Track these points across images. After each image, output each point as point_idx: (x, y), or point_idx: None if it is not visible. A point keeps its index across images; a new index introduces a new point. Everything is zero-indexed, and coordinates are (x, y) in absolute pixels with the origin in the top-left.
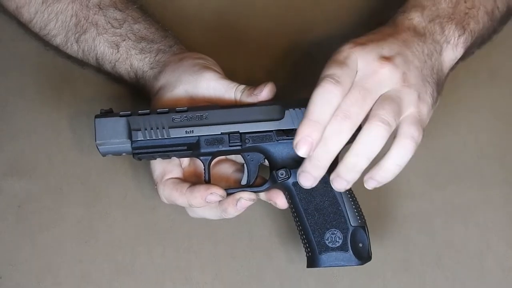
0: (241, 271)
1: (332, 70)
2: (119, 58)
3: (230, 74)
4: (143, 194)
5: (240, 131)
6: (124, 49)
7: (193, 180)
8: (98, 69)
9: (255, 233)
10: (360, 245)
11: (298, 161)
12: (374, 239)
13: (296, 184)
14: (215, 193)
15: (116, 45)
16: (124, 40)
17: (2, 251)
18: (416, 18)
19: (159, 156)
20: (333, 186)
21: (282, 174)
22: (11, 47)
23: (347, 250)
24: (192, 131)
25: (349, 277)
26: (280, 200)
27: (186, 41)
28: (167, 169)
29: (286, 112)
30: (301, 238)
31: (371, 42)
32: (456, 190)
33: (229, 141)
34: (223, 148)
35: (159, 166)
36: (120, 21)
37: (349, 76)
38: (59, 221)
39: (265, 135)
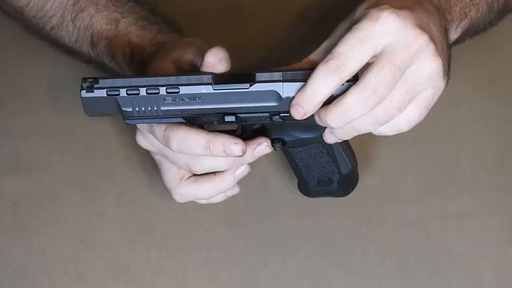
0: (236, 274)
1: (343, 47)
2: (116, 34)
3: (233, 50)
4: (139, 195)
5: (236, 112)
6: (124, 25)
7: None
8: (89, 57)
9: (251, 237)
10: (350, 181)
11: (293, 135)
12: (370, 244)
13: (290, 149)
14: (239, 148)
15: (116, 21)
16: (125, 17)
17: None
18: None
19: (153, 122)
20: (326, 140)
21: (278, 147)
22: (10, 46)
23: (335, 188)
24: (185, 111)
25: (345, 282)
26: (267, 141)
27: (186, 14)
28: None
29: (283, 99)
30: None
31: (405, 9)
32: (452, 195)
33: (224, 119)
34: (218, 123)
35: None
36: (122, 3)
37: (359, 60)
38: (55, 220)
39: (261, 116)
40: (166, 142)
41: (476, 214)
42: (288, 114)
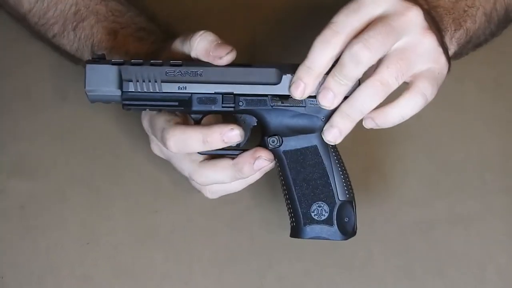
0: (242, 276)
1: (337, 17)
2: (114, 46)
3: (228, 33)
4: (145, 198)
5: (234, 92)
6: (122, 37)
7: None
8: None
9: (256, 238)
10: (346, 220)
11: (291, 129)
12: (375, 246)
13: (286, 152)
14: (236, 133)
15: (114, 32)
16: (124, 28)
17: (4, 251)
18: (420, 1)
19: (149, 109)
20: (325, 138)
21: (273, 142)
22: (15, 48)
23: (332, 224)
24: (185, 87)
25: (350, 283)
26: (265, 153)
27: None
28: (170, 116)
29: (284, 77)
30: (287, 207)
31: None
32: (458, 198)
33: (222, 101)
34: (216, 109)
35: (160, 117)
36: (122, 12)
37: (353, 25)
38: (62, 222)
39: (259, 99)
40: (165, 145)
41: (481, 217)
42: (288, 97)
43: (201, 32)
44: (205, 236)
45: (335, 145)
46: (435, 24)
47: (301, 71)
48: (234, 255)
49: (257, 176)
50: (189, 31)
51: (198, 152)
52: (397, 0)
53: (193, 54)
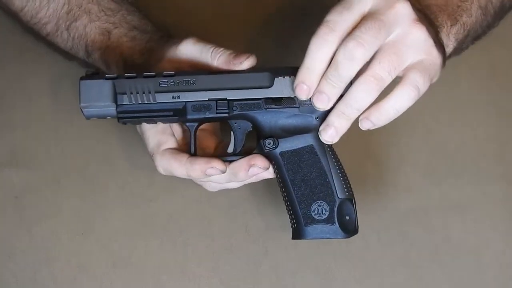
0: (237, 264)
1: (331, 16)
2: (108, 46)
3: (220, 33)
4: (140, 187)
5: (228, 98)
6: (115, 37)
7: (187, 149)
8: (85, 62)
9: (252, 226)
10: (347, 218)
11: (286, 131)
12: (371, 233)
13: (283, 154)
14: (216, 167)
15: (108, 32)
16: (117, 27)
17: None
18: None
19: (144, 121)
20: (322, 138)
21: (269, 144)
22: (10, 38)
23: (333, 223)
24: (179, 96)
25: (346, 271)
26: (260, 161)
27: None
28: (162, 139)
29: (276, 79)
30: (287, 209)
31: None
32: (454, 185)
33: (216, 107)
34: (210, 115)
35: (153, 137)
36: (114, 11)
37: (347, 21)
38: (57, 212)
39: (253, 103)
40: (155, 165)
41: (476, 203)
42: (281, 99)
43: (221, 49)
44: (201, 225)
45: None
46: (427, 20)
47: (302, 73)
48: (229, 244)
49: (253, 180)
50: (201, 38)
51: None
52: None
53: (214, 64)
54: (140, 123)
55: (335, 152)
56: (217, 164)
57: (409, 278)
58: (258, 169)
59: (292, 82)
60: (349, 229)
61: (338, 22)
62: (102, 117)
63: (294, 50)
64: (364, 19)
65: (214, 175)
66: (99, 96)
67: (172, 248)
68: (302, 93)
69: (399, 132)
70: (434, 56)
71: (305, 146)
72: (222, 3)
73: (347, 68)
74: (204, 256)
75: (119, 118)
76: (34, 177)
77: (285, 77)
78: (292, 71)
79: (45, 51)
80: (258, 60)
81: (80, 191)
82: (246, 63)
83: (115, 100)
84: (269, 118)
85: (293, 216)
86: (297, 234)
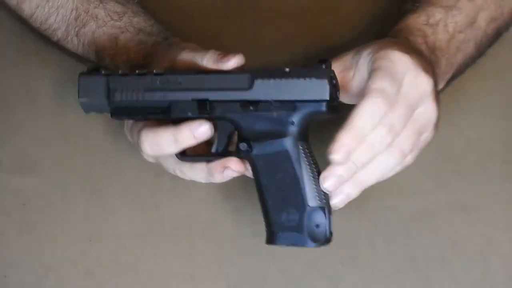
0: (245, 269)
1: (383, 83)
2: (116, 52)
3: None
4: (147, 192)
5: (209, 99)
6: (122, 42)
7: None
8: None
9: (259, 231)
10: (316, 226)
11: (262, 134)
12: (378, 236)
13: (257, 158)
14: (206, 127)
15: (115, 38)
16: (123, 32)
17: (6, 249)
18: (423, 46)
19: (136, 119)
20: (332, 200)
21: (243, 147)
22: (16, 44)
23: (301, 231)
24: (165, 95)
25: (353, 275)
26: (235, 164)
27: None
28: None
29: (256, 82)
30: (262, 212)
31: (413, 53)
32: (460, 187)
33: (197, 108)
34: (192, 115)
35: (137, 123)
36: (120, 14)
37: (397, 91)
38: (63, 218)
39: (231, 105)
40: (141, 149)
41: (483, 205)
42: (258, 103)
43: (211, 51)
44: (208, 230)
45: (309, 149)
46: (431, 70)
47: (348, 132)
48: (237, 248)
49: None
50: (196, 46)
51: (177, 157)
52: (417, 71)
53: (204, 63)
54: (133, 119)
55: (312, 158)
56: (206, 124)
57: (416, 281)
58: (232, 172)
59: (272, 85)
60: (319, 238)
61: (391, 92)
62: (99, 112)
63: (297, 50)
64: (395, 100)
65: (202, 136)
66: (95, 92)
67: (179, 253)
68: (342, 155)
69: None
70: (431, 135)
71: (279, 151)
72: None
73: (378, 149)
74: (212, 260)
75: (111, 114)
76: (41, 184)
77: (265, 79)
78: (272, 74)
79: (51, 56)
80: (260, 60)
81: (87, 197)
82: (233, 60)
83: (108, 96)
84: (247, 122)
85: (267, 220)
86: (269, 239)
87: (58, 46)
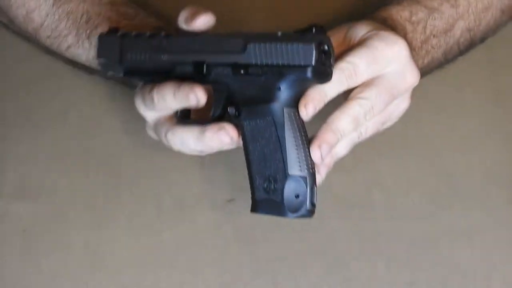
0: None
1: (361, 61)
2: None
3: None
4: (149, 218)
5: (205, 61)
6: None
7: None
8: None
9: (261, 256)
10: (296, 197)
11: (250, 99)
12: (380, 260)
13: (246, 123)
14: (199, 92)
15: None
16: (138, 29)
17: (7, 275)
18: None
19: (144, 80)
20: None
21: (232, 112)
22: (17, 69)
23: (280, 200)
24: (169, 57)
25: None
26: (231, 128)
27: None
28: None
29: (249, 46)
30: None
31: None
32: (461, 211)
33: (194, 70)
34: (190, 77)
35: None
36: (132, 15)
37: (369, 75)
38: (65, 245)
39: (224, 68)
40: (154, 99)
41: (485, 229)
42: (248, 66)
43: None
44: (210, 255)
45: (297, 117)
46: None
47: (314, 94)
48: (239, 274)
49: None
50: None
51: (177, 120)
52: (409, 64)
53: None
54: (141, 80)
55: (300, 127)
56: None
57: None
58: (225, 134)
59: (263, 50)
60: (298, 209)
61: (362, 72)
62: (115, 72)
63: None
64: (381, 85)
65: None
66: (110, 52)
67: (181, 279)
68: (309, 110)
69: (406, 159)
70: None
71: (265, 117)
72: None
73: (359, 121)
74: (214, 286)
75: (124, 74)
76: (42, 210)
77: (257, 44)
78: (265, 38)
79: (51, 83)
80: None
81: (88, 223)
82: (200, 20)
83: (121, 57)
84: (236, 85)
85: (251, 188)
86: (253, 207)
87: (65, 59)
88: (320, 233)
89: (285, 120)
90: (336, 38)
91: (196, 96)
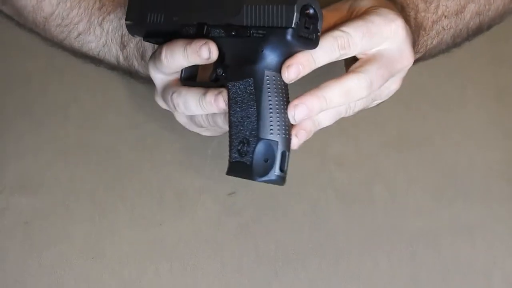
0: (248, 287)
1: (356, 32)
2: None
3: None
4: (150, 211)
5: (207, 22)
6: None
7: None
8: (116, 62)
9: (262, 249)
10: (265, 161)
11: (236, 61)
12: (381, 255)
13: (230, 85)
14: (208, 46)
15: None
16: None
17: (9, 267)
18: (412, 22)
19: (158, 42)
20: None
21: (219, 72)
22: (17, 64)
23: (249, 163)
24: (177, 19)
25: None
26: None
27: None
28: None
29: (243, 8)
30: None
31: (408, 25)
32: (463, 206)
33: (196, 31)
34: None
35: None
36: None
37: (363, 48)
38: (66, 237)
39: (220, 29)
40: (162, 58)
41: (486, 224)
42: (237, 27)
43: None
44: (211, 248)
45: (279, 81)
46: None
47: (303, 58)
48: (240, 267)
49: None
50: None
51: (181, 81)
52: (406, 44)
53: None
54: (157, 43)
55: (280, 91)
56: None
57: None
58: (222, 101)
59: (253, 11)
60: (265, 173)
61: (356, 44)
62: (138, 34)
63: None
64: (380, 61)
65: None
66: (135, 15)
67: (182, 271)
68: (293, 72)
69: (408, 154)
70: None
71: (247, 79)
72: None
73: (355, 95)
74: (215, 279)
75: (144, 37)
76: (43, 202)
77: (250, 6)
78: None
79: (52, 77)
80: None
81: (89, 215)
82: None
83: (142, 17)
84: (227, 46)
85: (229, 151)
86: (227, 169)
87: (74, 50)
88: (321, 227)
89: (264, 83)
90: (340, 10)
91: (208, 50)
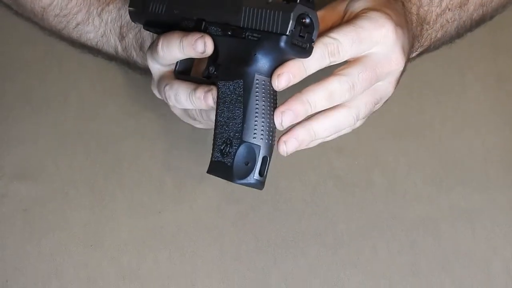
0: (247, 274)
1: (345, 39)
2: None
3: None
4: (149, 198)
5: (205, 19)
6: None
7: None
8: (114, 52)
9: (261, 236)
10: (246, 164)
11: (227, 61)
12: (381, 242)
13: (220, 84)
14: (203, 40)
15: None
16: None
17: (8, 255)
18: (414, 17)
19: (157, 32)
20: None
21: (212, 70)
22: (17, 51)
23: (230, 164)
24: (178, 12)
25: (355, 280)
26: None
27: None
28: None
29: (242, 8)
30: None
31: (400, 28)
32: (462, 193)
33: (194, 26)
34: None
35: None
36: None
37: (352, 54)
38: (65, 225)
39: (217, 27)
40: (159, 48)
41: (485, 211)
42: (234, 28)
43: None
44: (210, 235)
45: (267, 86)
46: (409, 48)
47: (293, 67)
48: (239, 254)
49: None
50: None
51: (175, 75)
52: (396, 47)
53: None
54: (156, 32)
55: (268, 96)
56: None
57: (418, 287)
58: (211, 98)
59: (251, 14)
60: (245, 176)
61: (346, 51)
62: (140, 22)
63: None
64: (364, 63)
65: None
66: (138, 2)
67: (181, 259)
68: (283, 80)
69: (408, 141)
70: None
71: (236, 81)
72: None
73: (335, 99)
74: (214, 266)
75: (144, 25)
76: (42, 190)
77: (249, 8)
78: (259, 2)
79: (51, 64)
80: None
81: (88, 203)
82: None
83: (143, 6)
84: (222, 45)
85: (212, 149)
86: (208, 168)
87: (72, 40)
88: (320, 215)
89: (253, 86)
90: (338, 10)
91: (204, 44)
